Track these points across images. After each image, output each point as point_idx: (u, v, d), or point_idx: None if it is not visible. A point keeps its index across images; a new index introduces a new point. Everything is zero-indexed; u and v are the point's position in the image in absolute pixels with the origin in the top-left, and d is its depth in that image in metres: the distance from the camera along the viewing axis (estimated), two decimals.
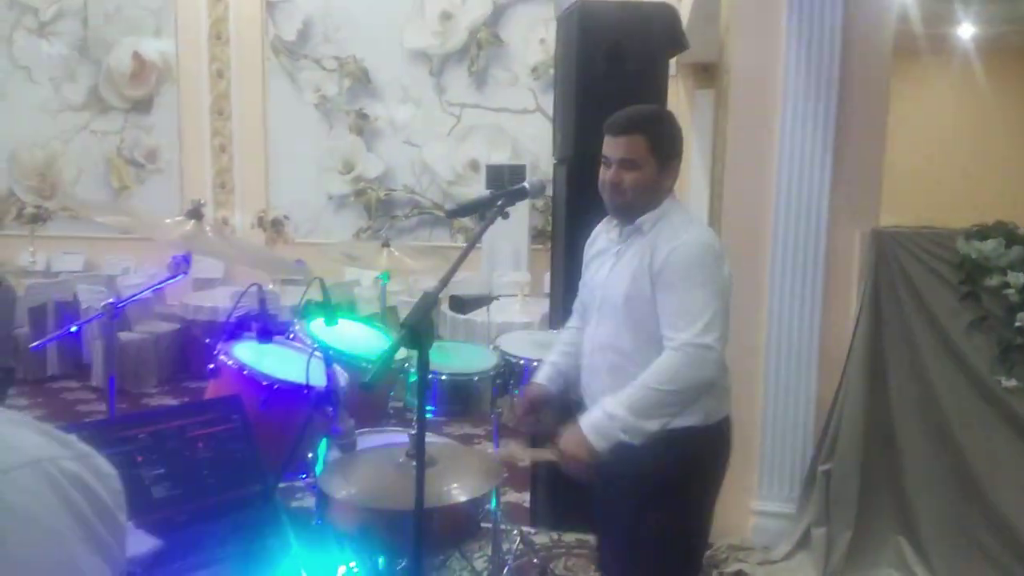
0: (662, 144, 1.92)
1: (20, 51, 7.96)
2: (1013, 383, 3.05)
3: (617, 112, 1.96)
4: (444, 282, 1.56)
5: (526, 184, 1.92)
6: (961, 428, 3.15)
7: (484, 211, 1.83)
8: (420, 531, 1.43)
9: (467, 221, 7.45)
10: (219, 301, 6.30)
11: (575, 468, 1.80)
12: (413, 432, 1.91)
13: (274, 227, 7.78)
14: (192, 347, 6.76)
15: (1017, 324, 3.02)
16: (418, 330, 1.41)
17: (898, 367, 3.24)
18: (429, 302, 1.47)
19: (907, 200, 4.76)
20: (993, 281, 3.05)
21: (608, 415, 1.76)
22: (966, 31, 6.02)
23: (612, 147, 1.92)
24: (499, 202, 1.83)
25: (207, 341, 6.72)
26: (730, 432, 2.01)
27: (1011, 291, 3.02)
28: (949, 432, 3.17)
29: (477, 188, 7.27)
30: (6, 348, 3.81)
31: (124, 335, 6.24)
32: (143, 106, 7.90)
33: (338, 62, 7.54)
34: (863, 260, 3.26)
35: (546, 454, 1.92)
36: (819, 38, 3.24)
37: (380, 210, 7.67)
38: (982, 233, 3.06)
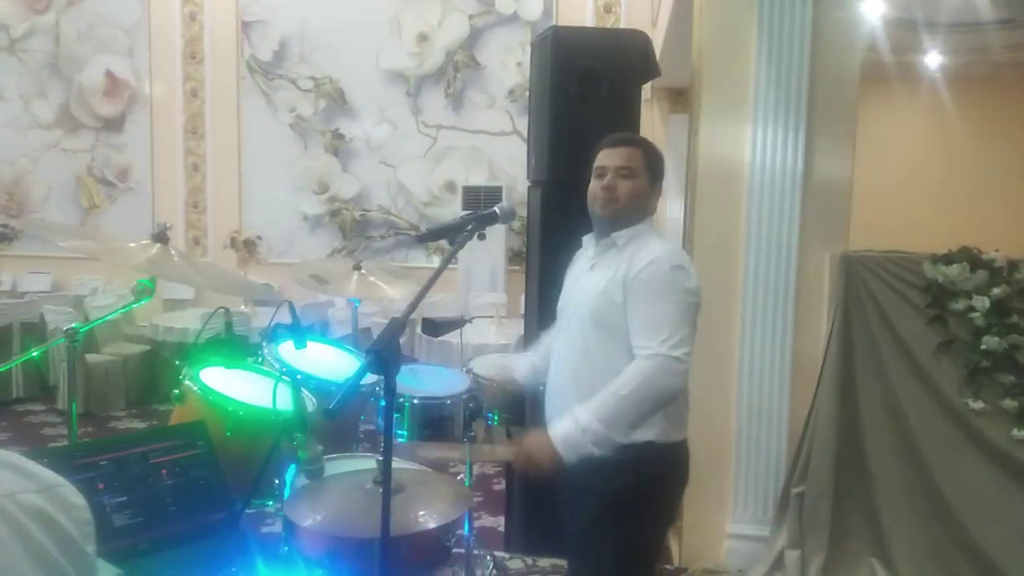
0: (654, 164, 2.03)
1: None
2: (980, 405, 3.09)
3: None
4: (412, 307, 1.55)
5: (496, 209, 1.92)
6: (930, 450, 3.18)
7: (454, 235, 1.82)
8: (387, 559, 1.41)
9: (445, 242, 7.41)
10: (189, 322, 6.21)
11: (534, 474, 1.81)
12: (374, 457, 1.89)
13: (247, 247, 7.71)
14: (162, 369, 6.64)
15: (983, 347, 3.06)
16: (384, 356, 1.39)
17: (868, 390, 3.27)
18: (397, 327, 1.46)
19: (875, 224, 4.83)
20: (959, 305, 3.10)
21: (581, 428, 1.77)
22: (933, 60, 6.16)
23: (611, 156, 2.00)
24: (469, 226, 1.83)
25: (177, 363, 6.61)
26: (686, 457, 2.03)
27: (976, 315, 3.07)
28: (919, 454, 3.20)
29: (454, 209, 7.27)
30: None
31: (91, 357, 6.12)
32: (115, 124, 7.82)
33: (314, 82, 7.54)
34: (833, 284, 3.30)
35: (502, 453, 1.92)
36: (788, 65, 3.30)
37: (355, 231, 7.64)
38: (948, 258, 3.11)
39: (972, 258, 3.08)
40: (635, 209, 1.98)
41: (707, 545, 3.55)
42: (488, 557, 3.22)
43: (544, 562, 3.54)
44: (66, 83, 7.81)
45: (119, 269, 7.59)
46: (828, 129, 3.32)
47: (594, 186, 2.01)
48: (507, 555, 3.54)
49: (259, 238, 7.72)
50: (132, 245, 1.92)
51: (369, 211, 7.61)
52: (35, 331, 6.53)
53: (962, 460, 3.15)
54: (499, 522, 3.93)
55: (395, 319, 1.48)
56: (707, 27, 3.45)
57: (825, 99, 3.31)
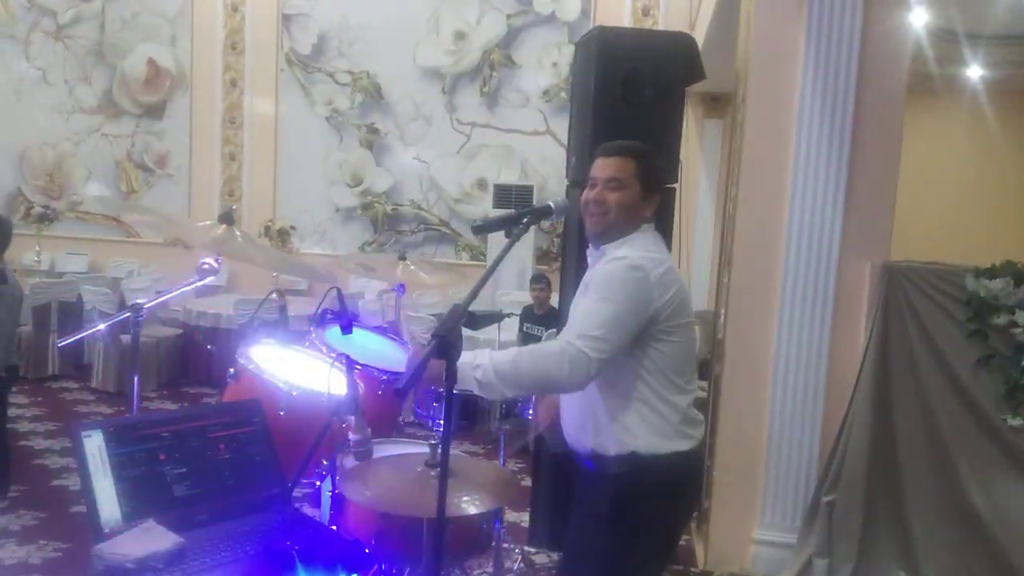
0: (647, 173, 1.95)
1: (36, 52, 8.03)
2: (1019, 422, 3.07)
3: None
4: (474, 294, 1.59)
5: (551, 203, 1.93)
6: (965, 465, 3.17)
7: (510, 228, 1.84)
8: (442, 538, 1.44)
9: (473, 239, 7.51)
10: (223, 308, 6.31)
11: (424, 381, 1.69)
12: (426, 443, 1.93)
13: (280, 237, 7.81)
14: (193, 353, 6.75)
15: None
16: (449, 340, 1.43)
17: (904, 401, 3.26)
18: (459, 313, 1.50)
19: (916, 236, 4.81)
20: (1001, 320, 3.09)
21: (473, 365, 1.71)
22: (974, 72, 6.10)
23: (601, 168, 1.96)
24: (525, 219, 1.85)
25: (209, 347, 6.68)
26: (683, 471, 1.89)
27: (1019, 330, 3.05)
28: (953, 468, 3.18)
29: (484, 207, 7.32)
30: (11, 346, 3.82)
31: (126, 337, 6.23)
32: (155, 112, 7.96)
33: (351, 76, 7.62)
34: (873, 293, 3.29)
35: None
36: (835, 74, 3.30)
37: (386, 224, 7.70)
38: (991, 272, 3.09)
39: (1016, 273, 3.06)
40: (626, 220, 1.91)
41: (733, 549, 3.55)
42: (517, 550, 3.26)
43: None
44: (109, 70, 7.96)
45: (154, 253, 7.75)
46: (873, 139, 3.31)
47: (585, 195, 1.96)
48: (532, 550, 3.57)
49: (293, 228, 7.81)
50: (200, 225, 1.98)
51: (401, 206, 7.68)
52: (72, 311, 6.66)
53: (997, 476, 3.13)
54: (522, 517, 3.96)
55: (457, 305, 1.52)
56: (754, 34, 3.45)
57: (871, 109, 3.30)
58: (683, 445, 1.87)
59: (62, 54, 8.01)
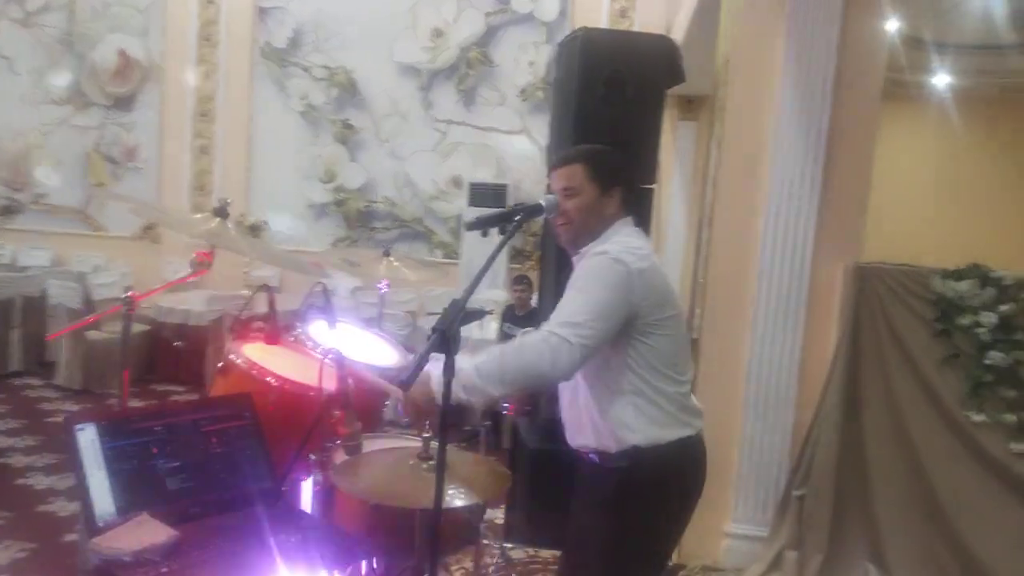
0: (600, 171, 1.96)
1: (3, 41, 7.82)
2: (982, 418, 3.19)
3: None
4: (470, 291, 1.61)
5: (542, 201, 1.98)
6: (930, 459, 3.28)
7: (503, 225, 1.87)
8: (438, 529, 1.47)
9: (447, 237, 7.52)
10: (193, 304, 6.23)
11: (411, 414, 1.77)
12: (414, 437, 1.96)
13: (252, 232, 7.72)
14: (161, 349, 6.65)
15: (987, 362, 3.16)
16: (448, 335, 1.46)
17: (873, 399, 3.36)
18: (457, 309, 1.53)
19: (885, 237, 4.93)
20: (966, 320, 3.20)
21: (456, 369, 1.66)
22: (942, 80, 6.28)
23: (554, 180, 1.99)
24: (517, 217, 1.89)
25: (176, 344, 6.57)
26: (684, 457, 1.93)
27: (982, 330, 3.17)
28: (919, 463, 3.29)
29: (459, 204, 7.33)
30: None
31: (92, 334, 6.14)
32: (125, 103, 7.81)
33: (327, 71, 7.57)
34: (845, 293, 3.38)
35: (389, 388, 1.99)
36: (813, 77, 3.38)
37: (360, 221, 7.67)
38: (958, 274, 3.21)
39: (982, 275, 3.17)
40: (592, 222, 1.95)
41: (705, 543, 3.62)
42: (496, 546, 3.29)
43: (546, 553, 3.60)
44: (78, 60, 7.79)
45: (119, 247, 7.63)
46: (848, 143, 3.40)
47: None
48: (509, 545, 3.60)
49: (265, 223, 7.74)
50: (195, 217, 1.98)
51: (374, 202, 7.65)
52: (36, 306, 6.53)
53: (961, 471, 3.25)
54: (496, 514, 3.99)
55: (456, 300, 1.55)
56: (734, 38, 3.52)
57: (847, 113, 3.39)
58: (684, 432, 1.90)
59: (30, 43, 7.81)
